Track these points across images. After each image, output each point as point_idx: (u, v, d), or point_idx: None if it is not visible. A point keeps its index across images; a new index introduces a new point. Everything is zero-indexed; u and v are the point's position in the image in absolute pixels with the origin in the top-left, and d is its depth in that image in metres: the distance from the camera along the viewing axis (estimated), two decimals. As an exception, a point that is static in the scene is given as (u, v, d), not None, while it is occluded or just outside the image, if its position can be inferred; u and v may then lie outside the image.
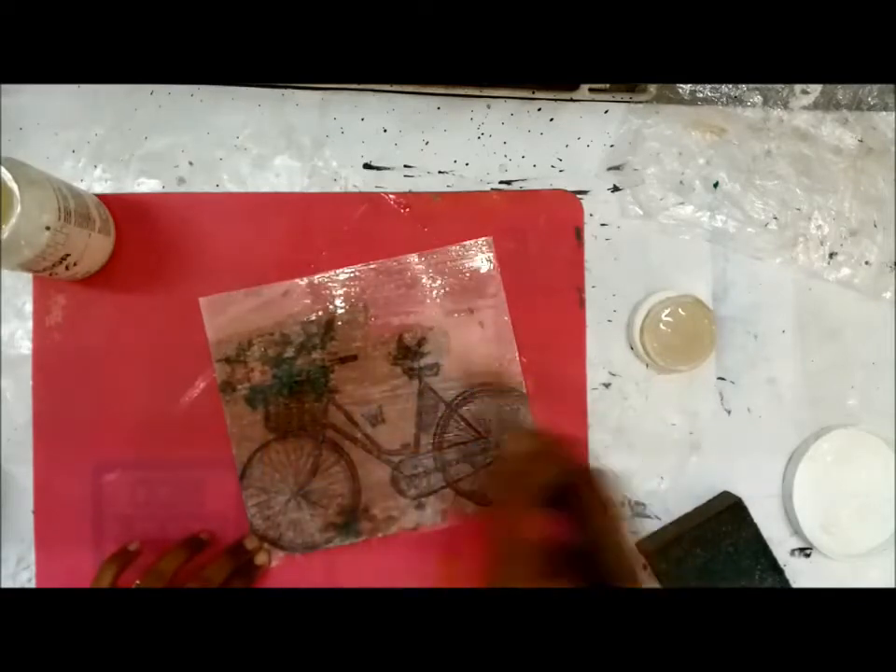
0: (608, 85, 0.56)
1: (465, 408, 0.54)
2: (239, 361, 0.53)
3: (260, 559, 0.52)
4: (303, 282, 0.53)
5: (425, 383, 0.54)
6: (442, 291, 0.54)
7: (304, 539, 0.53)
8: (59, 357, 0.52)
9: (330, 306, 0.54)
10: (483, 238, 0.54)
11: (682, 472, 0.56)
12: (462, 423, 0.54)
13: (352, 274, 0.54)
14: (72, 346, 0.53)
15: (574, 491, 0.35)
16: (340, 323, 0.54)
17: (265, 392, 0.53)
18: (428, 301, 0.54)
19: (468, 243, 0.54)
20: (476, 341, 0.54)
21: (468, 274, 0.54)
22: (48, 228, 0.43)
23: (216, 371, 0.53)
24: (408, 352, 0.54)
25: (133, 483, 0.53)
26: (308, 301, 0.53)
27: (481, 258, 0.54)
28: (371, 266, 0.54)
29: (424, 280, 0.54)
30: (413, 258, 0.54)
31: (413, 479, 0.54)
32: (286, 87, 0.55)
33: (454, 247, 0.54)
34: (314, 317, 0.53)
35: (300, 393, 0.53)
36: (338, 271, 0.54)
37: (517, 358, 0.54)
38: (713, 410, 0.56)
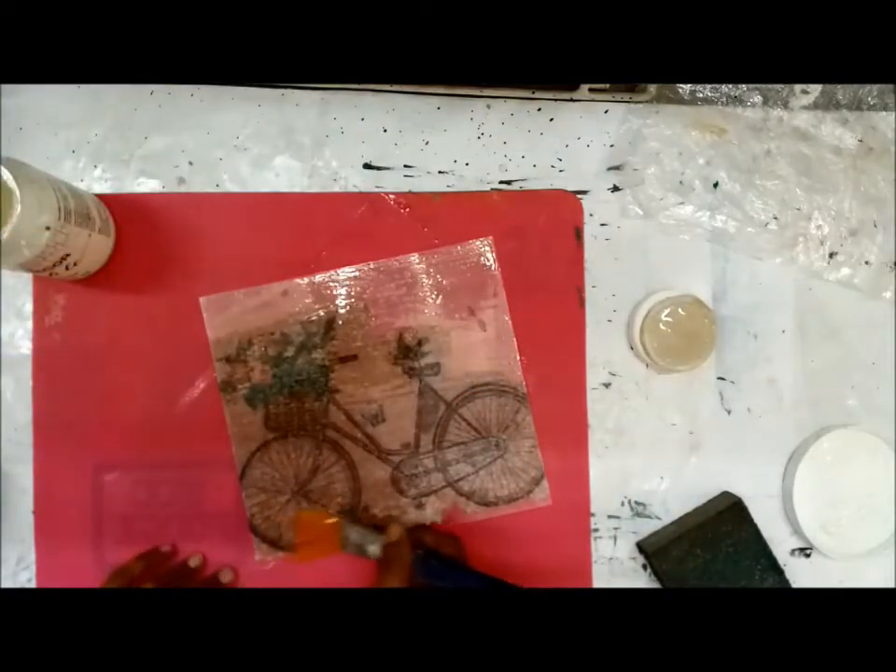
0: (608, 85, 0.56)
1: (465, 408, 0.54)
2: (239, 361, 0.53)
3: (225, 577, 0.53)
4: (303, 282, 0.53)
5: (425, 382, 0.54)
6: (443, 291, 0.54)
7: (304, 538, 0.53)
8: (59, 357, 0.52)
9: (331, 306, 0.54)
10: (484, 238, 0.54)
11: (682, 472, 0.56)
12: (462, 423, 0.54)
13: (352, 274, 0.54)
14: (72, 346, 0.53)
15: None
16: (340, 322, 0.54)
17: (265, 391, 0.53)
18: (429, 300, 0.54)
19: (468, 243, 0.54)
20: (476, 341, 0.54)
21: (468, 274, 0.54)
22: (48, 228, 0.43)
23: (216, 370, 0.53)
24: (408, 352, 0.54)
25: (133, 483, 0.53)
26: (308, 301, 0.53)
27: (481, 258, 0.54)
28: (372, 266, 0.54)
29: (424, 280, 0.54)
30: (414, 257, 0.54)
31: (412, 478, 0.54)
32: (286, 87, 0.55)
33: (454, 247, 0.54)
34: (314, 317, 0.53)
35: (300, 392, 0.53)
36: (338, 270, 0.54)
37: (517, 358, 0.54)
38: (713, 410, 0.56)
